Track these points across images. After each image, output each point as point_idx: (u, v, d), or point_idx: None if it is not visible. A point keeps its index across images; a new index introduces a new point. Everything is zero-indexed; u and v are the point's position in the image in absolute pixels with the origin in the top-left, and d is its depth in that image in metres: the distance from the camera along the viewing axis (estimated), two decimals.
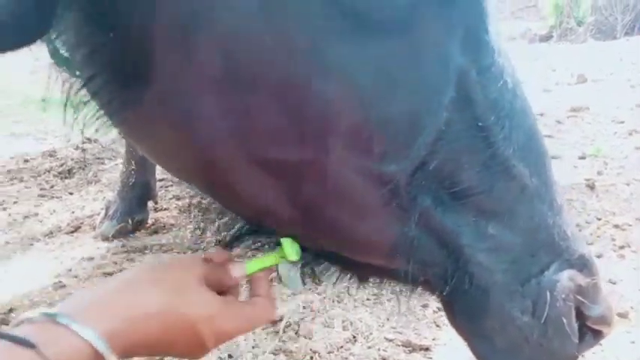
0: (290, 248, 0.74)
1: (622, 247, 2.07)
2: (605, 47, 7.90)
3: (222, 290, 0.71)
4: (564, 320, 0.66)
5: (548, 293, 0.66)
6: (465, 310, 0.70)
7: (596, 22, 9.12)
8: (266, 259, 0.76)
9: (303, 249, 0.82)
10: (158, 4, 0.60)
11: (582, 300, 0.67)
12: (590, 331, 0.69)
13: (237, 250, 0.82)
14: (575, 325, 0.67)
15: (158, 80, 0.65)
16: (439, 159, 0.62)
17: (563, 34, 9.18)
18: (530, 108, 0.71)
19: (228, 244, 0.84)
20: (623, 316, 1.66)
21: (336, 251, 0.74)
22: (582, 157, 3.15)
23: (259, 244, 0.88)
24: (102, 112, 0.79)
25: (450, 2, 0.60)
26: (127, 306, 0.58)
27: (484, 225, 0.65)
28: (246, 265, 0.74)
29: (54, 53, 0.83)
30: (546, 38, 9.31)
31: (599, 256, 2.03)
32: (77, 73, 0.79)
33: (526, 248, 0.67)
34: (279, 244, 0.75)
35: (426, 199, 0.64)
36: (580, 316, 0.69)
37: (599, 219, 2.32)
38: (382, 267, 0.73)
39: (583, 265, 0.70)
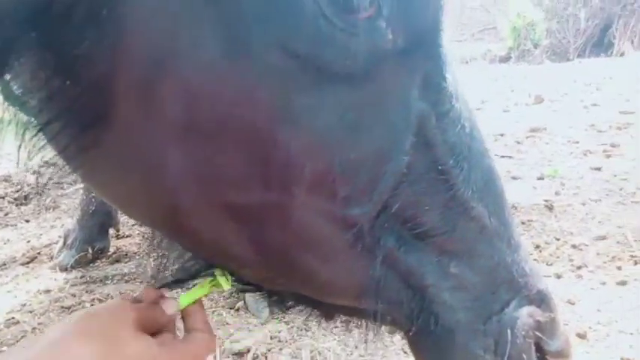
0: (222, 277, 0.73)
1: (579, 268, 2.14)
2: (559, 68, 8.31)
3: (157, 330, 0.69)
4: (524, 357, 0.68)
5: (509, 331, 0.68)
6: (430, 348, 0.71)
7: (551, 45, 9.60)
8: (198, 290, 0.74)
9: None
10: (120, 51, 0.59)
11: (541, 336, 0.70)
12: None
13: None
14: None
15: (118, 127, 0.63)
16: (401, 201, 0.64)
17: (521, 55, 9.61)
18: (487, 150, 0.73)
19: (191, 276, 0.83)
20: (581, 336, 1.71)
21: (305, 293, 0.74)
22: (541, 178, 3.27)
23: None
24: (59, 156, 0.77)
25: (408, 52, 0.61)
26: None
27: (447, 264, 0.67)
28: (179, 301, 0.72)
29: (7, 95, 0.80)
30: (505, 59, 9.72)
31: (558, 277, 2.09)
32: (33, 117, 0.76)
33: (487, 286, 0.69)
34: (210, 273, 0.74)
35: (390, 240, 0.65)
36: (539, 350, 0.71)
37: (558, 239, 2.41)
38: (349, 307, 0.73)
39: (541, 300, 0.72)
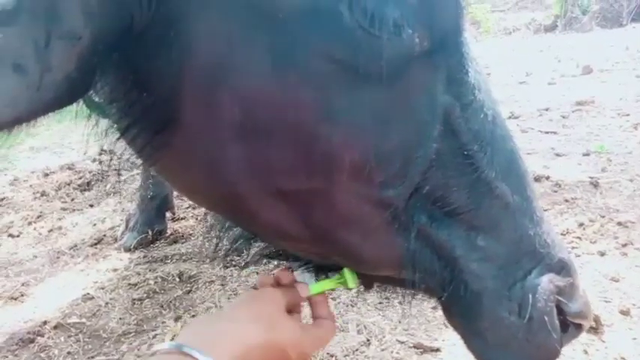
0: (350, 276, 0.84)
1: (625, 245, 2.13)
2: (610, 35, 7.86)
3: (291, 310, 0.83)
4: (546, 318, 0.76)
5: (531, 295, 0.76)
6: (461, 312, 0.80)
7: (601, 10, 9.04)
8: (326, 283, 0.86)
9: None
10: (185, 66, 0.70)
11: (561, 299, 0.77)
12: (572, 324, 0.79)
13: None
14: (557, 322, 0.77)
15: (185, 129, 0.75)
16: (431, 183, 0.72)
17: (568, 24, 9.13)
18: (510, 134, 0.80)
19: (252, 260, 0.95)
20: (625, 313, 1.73)
21: (348, 265, 0.85)
22: (587, 154, 3.20)
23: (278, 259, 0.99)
24: (138, 156, 0.89)
25: (433, 53, 0.69)
26: (233, 342, 0.69)
27: (474, 238, 0.75)
28: (311, 287, 0.85)
29: (89, 104, 0.92)
30: (551, 28, 9.26)
31: (602, 254, 2.09)
32: (113, 124, 0.88)
33: (511, 256, 0.77)
34: (337, 270, 0.85)
35: (423, 217, 0.74)
36: (560, 312, 0.78)
37: (603, 216, 2.38)
38: (389, 276, 0.83)
39: (561, 267, 0.79)
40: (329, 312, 0.85)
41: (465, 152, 0.73)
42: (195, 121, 0.74)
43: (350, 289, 0.85)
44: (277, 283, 0.84)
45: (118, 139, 0.88)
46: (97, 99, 0.94)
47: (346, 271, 0.84)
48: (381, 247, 0.76)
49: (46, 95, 0.75)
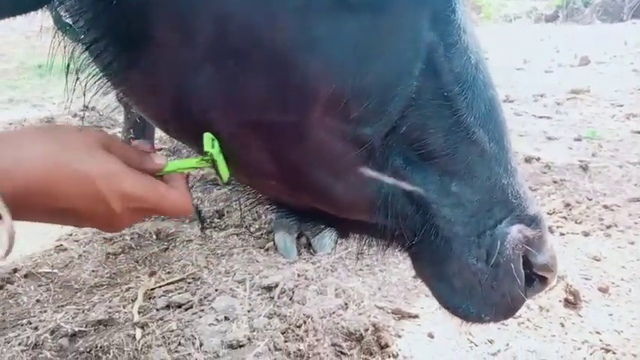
0: (209, 141, 0.70)
1: (609, 227, 2.12)
2: (610, 29, 7.84)
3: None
4: (512, 266, 0.75)
5: (499, 243, 0.75)
6: (430, 257, 0.79)
7: (603, 3, 8.99)
8: (186, 163, 0.74)
9: (296, 218, 0.87)
10: None
11: (529, 249, 0.76)
12: (537, 278, 0.79)
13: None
14: (522, 271, 0.76)
15: (156, 45, 0.69)
16: (409, 123, 0.69)
17: (569, 14, 9.08)
18: (492, 82, 0.77)
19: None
20: (603, 290, 1.72)
21: (321, 208, 0.80)
22: (578, 139, 3.18)
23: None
24: (102, 74, 0.83)
25: None
26: (14, 149, 0.57)
27: (448, 183, 0.73)
28: (168, 163, 0.73)
29: (57, 19, 0.85)
30: (552, 18, 9.21)
31: (586, 234, 2.08)
32: (80, 37, 0.81)
33: (483, 204, 0.75)
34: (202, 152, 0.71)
35: (398, 159, 0.72)
36: (527, 264, 0.77)
37: (590, 199, 2.37)
38: (362, 222, 0.80)
39: (531, 220, 0.78)
40: (184, 186, 0.73)
41: (445, 93, 0.70)
42: (166, 37, 0.67)
43: (224, 184, 0.74)
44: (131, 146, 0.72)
45: (83, 52, 0.82)
46: (64, 16, 0.87)
47: (206, 137, 0.69)
48: (354, 187, 0.73)
49: None
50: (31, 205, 0.58)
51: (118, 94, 0.93)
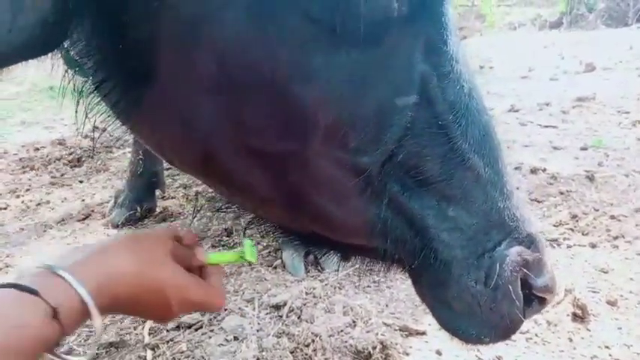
0: (250, 249, 0.83)
1: (616, 238, 2.11)
2: (615, 35, 7.81)
3: (186, 268, 0.78)
4: (511, 288, 0.76)
5: (497, 265, 0.76)
6: (430, 280, 0.80)
7: (607, 9, 8.98)
8: (227, 256, 0.85)
9: (300, 241, 0.90)
10: (159, 17, 0.68)
11: (528, 272, 0.77)
12: (536, 299, 0.79)
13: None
14: (521, 293, 0.77)
15: (161, 83, 0.73)
16: (405, 152, 0.72)
17: (573, 21, 9.07)
18: (485, 108, 0.79)
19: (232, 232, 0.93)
20: (612, 304, 1.71)
21: (321, 233, 0.83)
22: (584, 148, 3.17)
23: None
24: (111, 111, 0.87)
25: (413, 19, 0.68)
26: (101, 266, 0.66)
27: (445, 208, 0.75)
28: (209, 255, 0.81)
29: (67, 60, 0.90)
30: (556, 25, 9.20)
31: (593, 246, 2.07)
32: (89, 77, 0.86)
33: (481, 228, 0.77)
34: (241, 244, 0.86)
35: (395, 186, 0.74)
36: (526, 285, 0.78)
37: (597, 210, 2.36)
38: (362, 246, 0.82)
39: (530, 242, 0.79)
40: (220, 282, 0.81)
41: (440, 122, 0.73)
42: (170, 73, 0.71)
43: (250, 263, 0.85)
44: (177, 240, 0.80)
45: (92, 92, 0.86)
46: (74, 56, 0.92)
47: (247, 244, 0.83)
48: (353, 213, 0.76)
49: (18, 38, 0.72)
50: (113, 311, 0.69)
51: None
